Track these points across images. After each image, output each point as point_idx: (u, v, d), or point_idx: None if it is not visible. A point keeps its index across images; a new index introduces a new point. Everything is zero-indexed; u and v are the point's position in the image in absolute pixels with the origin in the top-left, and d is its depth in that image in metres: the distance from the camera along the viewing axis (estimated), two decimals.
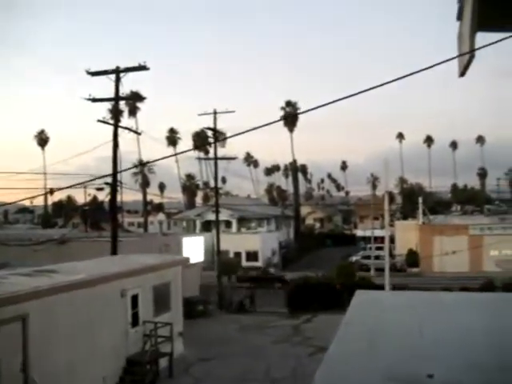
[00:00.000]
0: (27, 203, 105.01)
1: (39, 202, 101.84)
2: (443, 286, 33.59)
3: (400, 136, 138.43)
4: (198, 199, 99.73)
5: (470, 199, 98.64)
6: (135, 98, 65.19)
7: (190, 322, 23.67)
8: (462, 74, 3.37)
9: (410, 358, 4.88)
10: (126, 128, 27.86)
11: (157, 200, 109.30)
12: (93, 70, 25.42)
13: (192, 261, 26.26)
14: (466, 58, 3.19)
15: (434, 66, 4.91)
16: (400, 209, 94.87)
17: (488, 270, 41.83)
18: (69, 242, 29.01)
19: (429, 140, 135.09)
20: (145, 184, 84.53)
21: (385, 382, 4.18)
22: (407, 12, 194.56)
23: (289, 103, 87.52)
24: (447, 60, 4.33)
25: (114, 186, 26.35)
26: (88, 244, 28.94)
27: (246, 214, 67.77)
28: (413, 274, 51.78)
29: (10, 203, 31.37)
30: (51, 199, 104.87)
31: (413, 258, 56.16)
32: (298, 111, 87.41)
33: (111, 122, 26.83)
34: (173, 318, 19.14)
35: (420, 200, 61.35)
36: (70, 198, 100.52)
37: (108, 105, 35.35)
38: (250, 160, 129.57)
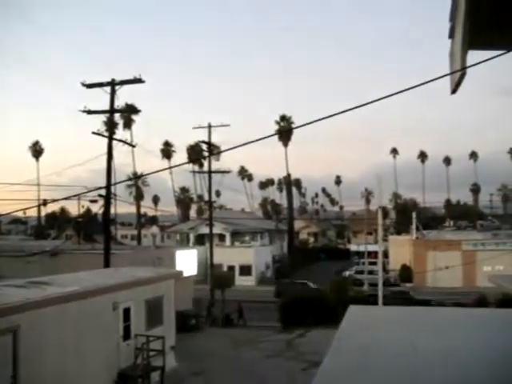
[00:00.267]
0: (20, 214, 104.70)
1: (32, 213, 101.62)
2: (437, 301, 33.62)
3: (394, 151, 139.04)
4: (192, 212, 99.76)
5: (463, 215, 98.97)
6: (130, 111, 65.28)
7: (182, 335, 23.53)
8: (454, 91, 3.42)
9: (402, 375, 4.87)
10: (120, 140, 27.89)
11: (151, 213, 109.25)
12: (88, 81, 25.53)
13: (185, 274, 26.16)
14: (458, 75, 3.23)
15: (425, 83, 4.96)
16: (394, 224, 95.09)
17: (481, 285, 41.86)
18: (61, 253, 28.89)
19: (422, 155, 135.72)
20: (139, 196, 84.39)
21: None
22: (401, 29, 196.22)
23: (283, 117, 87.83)
24: (439, 77, 4.38)
25: (108, 199, 26.31)
26: (81, 256, 28.81)
27: (240, 228, 67.71)
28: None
29: (3, 214, 31.22)
30: (44, 210, 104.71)
31: (406, 273, 56.17)
32: (293, 126, 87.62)
33: (106, 134, 26.85)
34: (165, 332, 19.03)
35: (414, 215, 61.55)
36: (63, 210, 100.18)
37: (103, 117, 35.37)
38: (244, 174, 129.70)
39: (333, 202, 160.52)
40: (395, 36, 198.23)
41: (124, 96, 41.79)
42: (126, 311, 17.14)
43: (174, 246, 53.69)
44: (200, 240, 62.56)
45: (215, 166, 41.20)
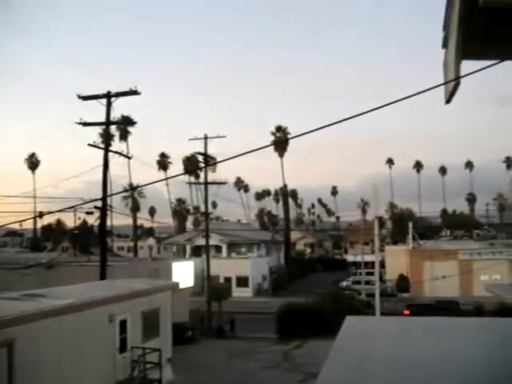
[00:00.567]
0: (16, 226, 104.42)
1: (28, 225, 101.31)
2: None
3: (390, 161, 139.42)
4: (189, 224, 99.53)
5: (459, 224, 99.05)
6: (126, 123, 65.31)
7: (179, 347, 23.42)
8: (448, 101, 3.43)
9: None
10: (116, 152, 27.91)
11: (147, 224, 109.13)
12: (84, 93, 25.58)
13: (182, 286, 26.09)
14: (452, 85, 3.25)
15: (419, 93, 4.98)
16: (390, 234, 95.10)
17: (478, 294, 41.84)
18: (57, 266, 28.78)
19: (418, 165, 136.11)
20: (135, 208, 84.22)
21: None
22: (396, 39, 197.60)
23: (279, 128, 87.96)
24: (433, 87, 4.40)
25: (104, 210, 26.26)
26: (77, 268, 28.70)
27: (237, 239, 67.59)
28: (404, 299, 51.62)
29: None
30: (40, 223, 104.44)
31: (403, 283, 56.11)
32: (289, 136, 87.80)
33: (102, 146, 26.85)
34: (162, 344, 18.93)
35: (410, 225, 61.58)
36: (59, 222, 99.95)
37: (99, 129, 35.41)
38: (240, 185, 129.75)
39: (329, 212, 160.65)
40: (390, 46, 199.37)
41: (120, 108, 41.98)
42: (123, 323, 17.05)
43: (171, 258, 53.53)
44: (196, 251, 62.39)
45: (211, 177, 41.14)
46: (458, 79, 3.14)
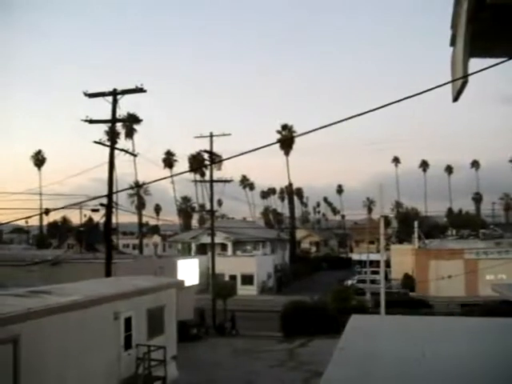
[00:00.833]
0: (22, 223, 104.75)
1: (34, 222, 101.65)
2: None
3: (396, 160, 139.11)
4: (194, 222, 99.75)
5: (465, 223, 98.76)
6: (132, 120, 65.42)
7: (183, 345, 23.46)
8: (456, 99, 3.40)
9: None
10: (122, 150, 27.95)
11: (152, 222, 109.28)
12: (90, 91, 25.64)
13: (187, 284, 26.11)
14: (460, 83, 3.22)
15: (427, 91, 4.95)
16: (396, 233, 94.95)
17: (484, 294, 41.67)
18: (63, 263, 28.84)
19: (424, 164, 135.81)
20: (140, 206, 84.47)
21: None
22: (403, 37, 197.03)
23: (285, 127, 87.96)
24: (440, 85, 4.37)
25: (110, 208, 26.31)
26: (82, 265, 28.75)
27: (242, 237, 67.62)
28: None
29: (5, 223, 31.24)
30: (46, 220, 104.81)
31: (409, 282, 56.00)
32: (294, 134, 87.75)
33: (108, 143, 26.90)
34: (166, 342, 18.95)
35: (416, 224, 61.43)
36: (65, 219, 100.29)
37: (105, 126, 35.46)
38: (245, 183, 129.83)
39: (334, 211, 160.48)
40: (397, 45, 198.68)
41: (125, 105, 41.95)
42: (128, 321, 17.07)
43: (176, 256, 53.62)
44: (202, 249, 62.49)
45: (217, 175, 41.14)
46: (465, 77, 3.11)
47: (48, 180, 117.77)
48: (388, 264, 56.51)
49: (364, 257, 62.78)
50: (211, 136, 37.93)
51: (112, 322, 16.22)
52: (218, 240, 51.66)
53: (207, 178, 47.45)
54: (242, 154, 7.47)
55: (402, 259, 59.97)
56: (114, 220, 32.78)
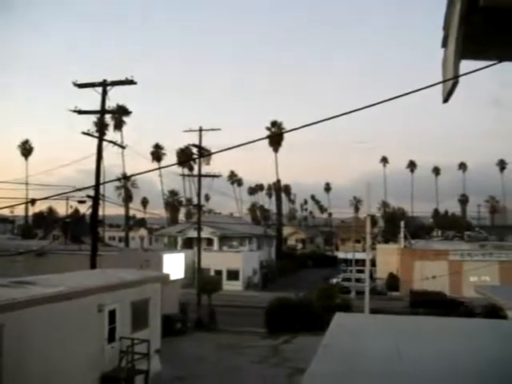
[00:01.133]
0: (7, 213, 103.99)
1: (20, 212, 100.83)
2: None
3: (384, 160, 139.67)
4: (181, 216, 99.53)
5: (450, 225, 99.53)
6: (121, 112, 65.09)
7: (168, 339, 23.43)
8: (446, 100, 3.42)
9: (387, 382, 4.87)
10: (110, 141, 27.82)
11: (139, 215, 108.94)
12: (78, 81, 25.48)
13: (172, 278, 26.06)
14: (450, 84, 3.24)
15: (417, 90, 4.97)
16: (382, 232, 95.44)
17: (467, 295, 42.08)
18: (48, 254, 28.70)
19: (412, 165, 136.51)
20: (127, 198, 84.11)
21: None
22: (394, 37, 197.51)
23: (274, 123, 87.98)
24: (430, 85, 4.39)
25: (96, 199, 26.19)
26: (67, 257, 28.64)
27: (228, 233, 67.67)
28: (393, 297, 51.89)
29: None
30: (32, 210, 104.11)
31: (393, 281, 56.39)
32: (283, 131, 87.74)
33: (96, 134, 26.75)
34: (150, 335, 18.92)
35: (402, 224, 61.81)
36: (51, 210, 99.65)
37: (93, 117, 35.24)
38: (234, 178, 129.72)
39: (322, 208, 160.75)
40: (388, 44, 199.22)
41: (115, 97, 41.49)
42: (112, 313, 17.01)
43: (162, 249, 53.54)
44: (188, 244, 62.43)
45: (205, 170, 41.07)
46: (456, 78, 3.13)
47: (35, 170, 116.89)
48: (373, 263, 56.84)
49: (350, 255, 63.07)
50: (200, 130, 37.84)
51: (96, 314, 16.16)
52: (204, 235, 51.65)
53: (195, 172, 47.37)
54: (230, 148, 7.47)
55: (388, 259, 60.38)
56: (100, 212, 32.66)
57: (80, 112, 26.09)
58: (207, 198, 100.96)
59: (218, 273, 55.34)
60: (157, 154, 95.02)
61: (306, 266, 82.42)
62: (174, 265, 33.91)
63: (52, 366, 13.99)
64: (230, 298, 43.58)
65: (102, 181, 27.05)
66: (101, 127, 29.97)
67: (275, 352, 25.88)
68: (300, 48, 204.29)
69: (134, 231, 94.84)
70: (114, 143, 28.32)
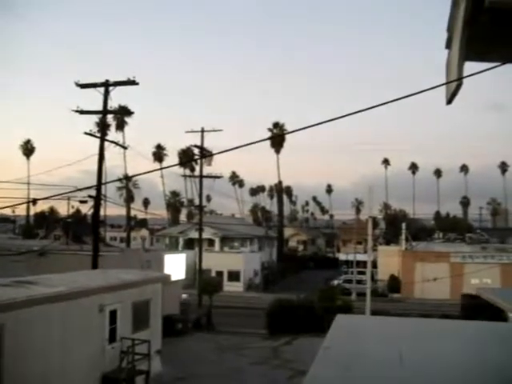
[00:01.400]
0: (9, 213, 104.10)
1: (21, 211, 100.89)
2: (423, 313, 33.67)
3: (385, 162, 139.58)
4: (182, 216, 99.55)
5: (452, 227, 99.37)
6: (123, 112, 65.14)
7: (168, 339, 23.42)
8: (450, 101, 3.41)
9: None
10: (112, 142, 27.83)
11: (140, 215, 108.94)
12: (81, 81, 25.50)
13: (173, 278, 26.05)
14: (454, 86, 3.23)
15: (420, 92, 4.95)
16: (383, 234, 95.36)
17: None
18: (49, 253, 28.68)
19: (414, 167, 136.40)
20: (129, 199, 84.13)
21: None
22: (398, 38, 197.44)
23: (276, 124, 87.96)
24: (434, 87, 4.37)
25: (98, 199, 26.19)
26: (68, 257, 28.61)
27: (230, 234, 67.65)
28: (394, 299, 51.85)
29: None
30: (33, 210, 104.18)
31: (394, 283, 56.33)
32: (284, 132, 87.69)
33: (98, 135, 26.76)
34: (151, 336, 18.91)
35: (403, 226, 61.75)
36: (52, 210, 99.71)
37: (95, 118, 35.29)
38: (235, 179, 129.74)
39: (323, 210, 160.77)
40: (392, 45, 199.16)
41: (117, 98, 41.77)
42: (113, 314, 17.02)
43: (163, 250, 53.51)
44: (189, 244, 62.42)
45: (207, 170, 41.12)
46: (460, 79, 3.11)
47: (36, 170, 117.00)
48: (375, 265, 56.79)
49: (351, 257, 63.03)
50: (202, 131, 37.91)
51: (97, 314, 16.16)
52: (205, 235, 51.69)
53: (197, 173, 47.39)
54: (232, 149, 7.44)
55: (389, 260, 60.30)
56: (102, 212, 32.65)
57: (82, 112, 26.11)
58: (209, 198, 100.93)
59: (219, 274, 55.34)
60: (158, 154, 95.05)
61: (307, 268, 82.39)
62: (175, 265, 33.92)
63: (52, 366, 13.98)
64: (230, 299, 43.59)
65: (103, 181, 27.05)
66: (103, 127, 30.01)
67: (276, 353, 25.83)
68: (300, 49, 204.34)
69: (135, 232, 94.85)
70: (116, 143, 28.33)
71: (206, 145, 38.45)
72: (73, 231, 62.66)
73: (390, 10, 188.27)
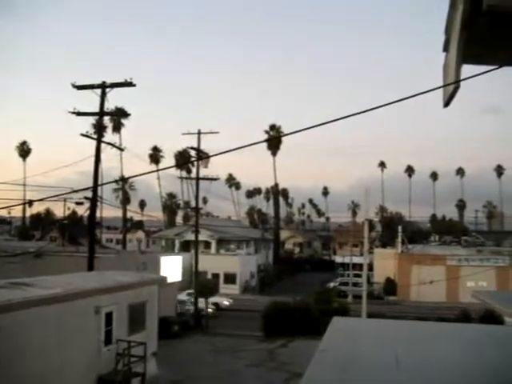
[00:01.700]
0: (4, 214, 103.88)
1: (17, 213, 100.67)
2: (419, 316, 33.69)
3: (382, 164, 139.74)
4: (179, 218, 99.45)
5: (448, 230, 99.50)
6: (120, 114, 65.04)
7: (164, 342, 23.37)
8: (447, 104, 3.41)
9: None
10: (108, 143, 27.77)
11: (137, 217, 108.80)
12: (77, 82, 25.47)
13: (169, 280, 26.02)
14: (451, 88, 3.23)
15: (417, 95, 4.96)
16: (379, 237, 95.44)
17: (464, 300, 42.07)
18: (45, 255, 28.62)
19: (410, 170, 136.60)
20: (125, 200, 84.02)
21: None
22: (397, 37, 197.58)
23: (273, 127, 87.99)
24: (431, 90, 4.38)
25: (94, 201, 26.14)
26: (64, 259, 28.54)
27: (226, 236, 67.58)
28: (390, 302, 51.89)
29: None
30: (29, 211, 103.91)
31: (390, 286, 56.38)
32: (281, 134, 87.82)
33: (94, 136, 26.71)
34: (147, 338, 18.88)
35: (399, 229, 61.84)
36: (48, 211, 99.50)
37: (92, 119, 35.21)
38: (232, 182, 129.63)
39: (319, 212, 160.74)
40: (389, 48, 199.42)
41: (114, 99, 41.54)
42: (108, 316, 16.98)
43: (159, 252, 53.45)
44: (185, 246, 62.31)
45: (203, 173, 41.08)
46: (456, 83, 3.12)
47: (32, 171, 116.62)
48: (371, 267, 56.85)
49: (347, 259, 63.07)
50: (199, 133, 37.85)
51: (93, 316, 16.13)
52: (202, 238, 51.58)
53: (193, 175, 47.34)
54: (229, 151, 7.44)
55: (385, 263, 60.37)
56: (98, 214, 32.60)
57: (78, 114, 26.07)
58: (205, 200, 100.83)
59: (216, 276, 55.22)
60: (155, 156, 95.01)
61: (303, 270, 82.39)
62: (172, 267, 33.88)
63: (48, 368, 13.94)
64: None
65: (99, 183, 27.00)
66: (99, 129, 29.92)
67: (272, 356, 25.81)
68: (300, 49, 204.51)
69: (131, 233, 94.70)
70: (113, 145, 28.28)
71: (202, 147, 38.42)
72: (69, 233, 62.50)
73: (390, 9, 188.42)
